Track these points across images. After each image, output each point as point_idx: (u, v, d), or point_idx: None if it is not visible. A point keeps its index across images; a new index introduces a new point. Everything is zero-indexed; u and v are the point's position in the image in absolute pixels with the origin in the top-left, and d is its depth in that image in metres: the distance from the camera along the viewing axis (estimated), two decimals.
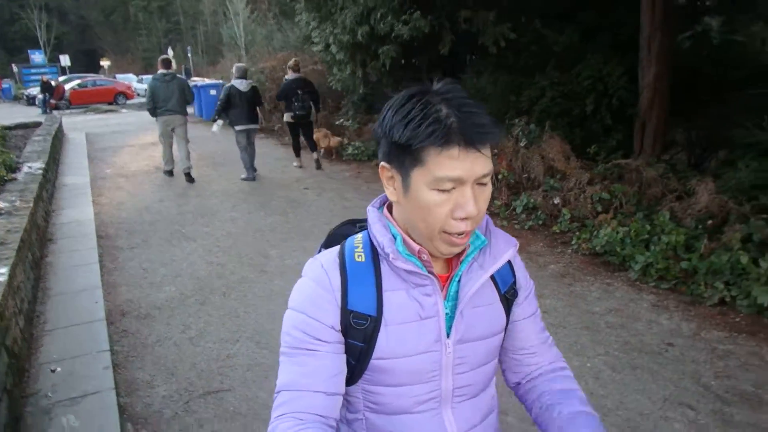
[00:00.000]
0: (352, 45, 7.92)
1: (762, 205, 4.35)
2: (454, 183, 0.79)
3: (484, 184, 0.82)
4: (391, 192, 0.87)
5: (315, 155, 8.24)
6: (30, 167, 6.16)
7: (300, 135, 8.13)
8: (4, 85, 29.84)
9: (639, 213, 4.75)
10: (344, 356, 0.87)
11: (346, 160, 8.78)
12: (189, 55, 40.53)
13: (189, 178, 7.60)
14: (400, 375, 0.87)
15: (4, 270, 2.94)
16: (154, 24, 54.74)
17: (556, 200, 5.40)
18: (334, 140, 8.90)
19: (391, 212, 0.91)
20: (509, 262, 0.96)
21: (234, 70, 7.62)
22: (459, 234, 0.82)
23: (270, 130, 12.02)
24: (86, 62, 46.61)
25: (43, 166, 6.32)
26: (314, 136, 8.31)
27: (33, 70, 33.84)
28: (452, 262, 0.91)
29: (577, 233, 4.90)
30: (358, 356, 0.87)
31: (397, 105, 0.80)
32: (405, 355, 0.86)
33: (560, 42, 6.91)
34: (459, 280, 0.90)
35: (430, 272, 0.86)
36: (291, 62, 8.00)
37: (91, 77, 27.84)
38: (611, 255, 4.48)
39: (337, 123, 9.88)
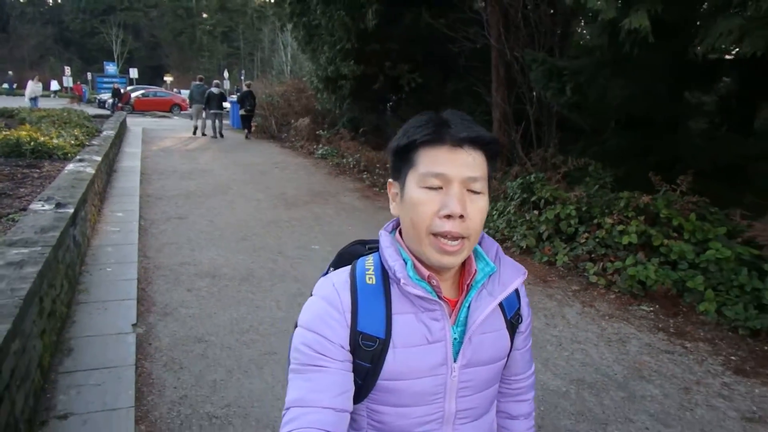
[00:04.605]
0: (325, 78, 11.71)
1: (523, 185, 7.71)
2: (440, 180, 0.83)
3: (477, 193, 0.85)
4: (393, 207, 0.92)
5: (247, 134, 15.76)
6: (106, 133, 10.20)
7: (248, 122, 15.87)
8: (83, 89, 35.28)
9: None
10: (352, 374, 0.87)
11: (316, 157, 12.48)
12: (242, 78, 45.80)
13: (203, 134, 15.57)
14: (405, 396, 0.89)
15: (100, 157, 6.76)
16: (216, 47, 61.23)
17: None
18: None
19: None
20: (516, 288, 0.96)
21: (213, 83, 15.04)
22: (447, 238, 0.83)
23: (279, 138, 15.89)
24: (152, 75, 52.36)
25: (113, 133, 10.41)
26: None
27: (105, 79, 39.21)
28: (462, 287, 0.93)
29: None
30: (365, 376, 0.88)
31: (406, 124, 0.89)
32: (411, 377, 0.88)
33: (449, 88, 10.48)
34: (468, 306, 0.91)
35: (439, 297, 0.88)
36: (246, 83, 16.10)
37: (153, 89, 32.31)
38: None
39: (317, 132, 13.63)
